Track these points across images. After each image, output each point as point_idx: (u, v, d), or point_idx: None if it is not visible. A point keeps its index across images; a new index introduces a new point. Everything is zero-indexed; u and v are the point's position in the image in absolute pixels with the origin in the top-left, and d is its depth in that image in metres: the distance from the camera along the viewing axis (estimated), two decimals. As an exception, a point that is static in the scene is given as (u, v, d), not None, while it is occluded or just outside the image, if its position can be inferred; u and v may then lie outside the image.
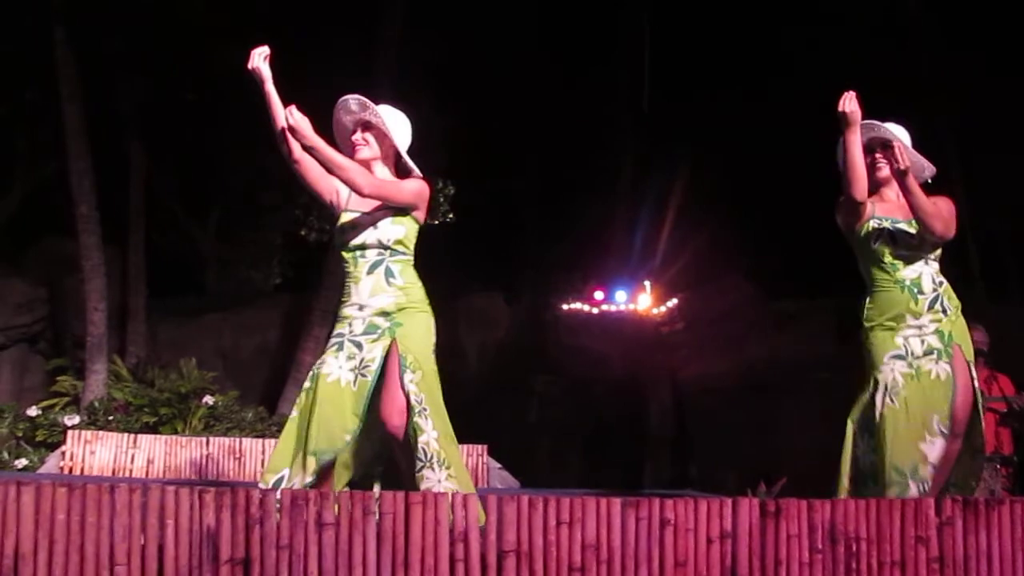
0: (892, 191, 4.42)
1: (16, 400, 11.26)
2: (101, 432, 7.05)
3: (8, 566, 2.80)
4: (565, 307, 14.29)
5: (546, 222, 15.55)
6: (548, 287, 14.80)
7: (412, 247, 4.13)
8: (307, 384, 3.99)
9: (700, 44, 14.62)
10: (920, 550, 3.42)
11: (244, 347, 13.09)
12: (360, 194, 4.02)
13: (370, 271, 4.02)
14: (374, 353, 3.96)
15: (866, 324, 4.36)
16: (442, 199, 14.11)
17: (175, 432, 9.64)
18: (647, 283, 14.35)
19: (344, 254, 4.09)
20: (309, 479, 3.84)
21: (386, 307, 4.00)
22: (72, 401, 10.53)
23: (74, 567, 2.84)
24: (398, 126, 4.20)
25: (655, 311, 14.01)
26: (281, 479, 3.84)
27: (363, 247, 4.04)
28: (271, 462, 3.95)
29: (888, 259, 4.31)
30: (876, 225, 4.32)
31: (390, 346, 3.96)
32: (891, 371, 4.23)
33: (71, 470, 6.62)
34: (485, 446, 7.34)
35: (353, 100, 4.13)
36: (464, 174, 13.11)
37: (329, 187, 4.13)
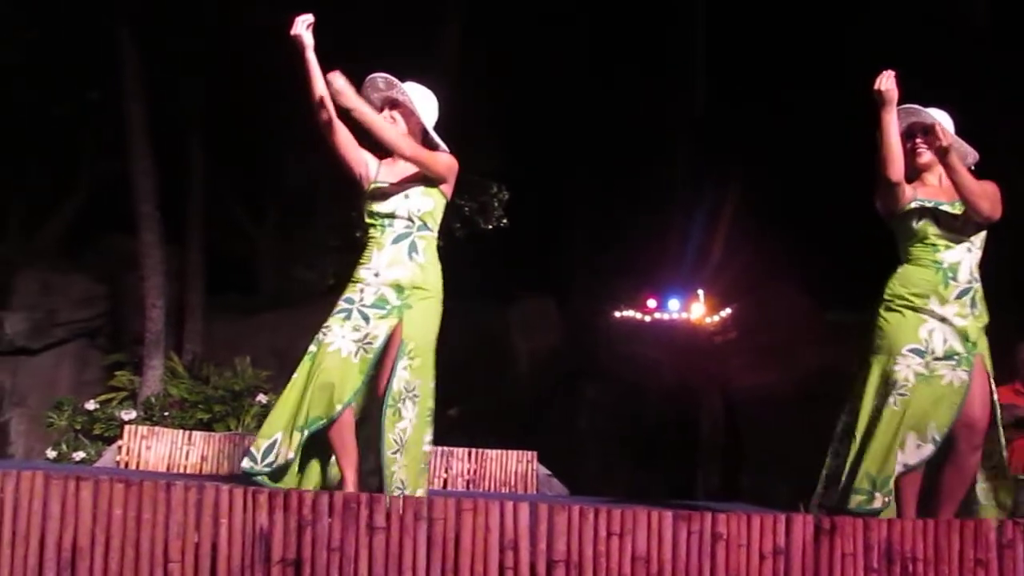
0: (934, 176, 4.33)
1: (75, 393, 11.46)
2: (157, 428, 7.15)
3: (66, 559, 2.85)
4: (617, 314, 14.23)
5: (599, 228, 15.49)
6: (601, 293, 14.74)
7: (438, 223, 4.17)
8: (312, 348, 4.00)
9: (757, 50, 14.49)
10: (979, 573, 3.35)
11: (298, 346, 13.00)
12: (402, 156, 4.06)
13: (395, 241, 4.06)
14: (379, 330, 3.98)
15: (887, 296, 4.21)
16: (496, 203, 14.14)
17: (228, 429, 9.76)
18: (700, 292, 14.24)
19: (370, 220, 4.12)
20: (292, 455, 3.86)
21: (401, 280, 4.02)
22: (129, 396, 10.69)
23: (129, 563, 2.89)
24: (424, 102, 4.24)
25: (708, 320, 13.90)
26: (274, 444, 3.84)
27: (392, 216, 4.08)
28: (265, 426, 3.95)
29: (931, 238, 4.19)
30: (919, 205, 4.22)
31: (395, 327, 3.97)
32: (906, 367, 4.08)
33: (127, 464, 6.71)
34: (535, 453, 7.32)
35: (380, 78, 4.19)
36: (518, 179, 13.11)
37: (359, 158, 4.18)
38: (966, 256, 4.20)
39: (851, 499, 4.00)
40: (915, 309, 4.16)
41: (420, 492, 3.98)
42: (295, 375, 4.00)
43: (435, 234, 4.16)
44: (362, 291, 4.03)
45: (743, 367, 12.83)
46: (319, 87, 4.04)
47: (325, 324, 4.03)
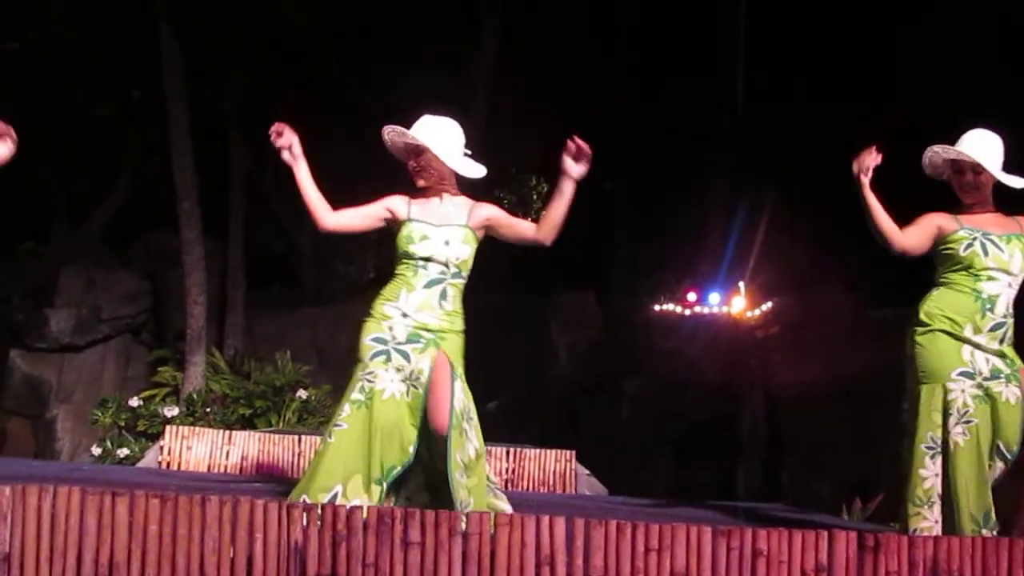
0: (982, 207, 4.23)
1: (119, 388, 11.63)
2: (197, 428, 7.22)
3: (103, 575, 2.85)
4: (657, 308, 14.14)
5: (640, 221, 15.40)
6: (641, 287, 14.66)
7: (468, 272, 4.10)
8: (357, 396, 3.90)
9: (799, 45, 14.32)
10: (1027, 590, 3.27)
11: (338, 341, 13.25)
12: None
13: (427, 285, 3.99)
14: (423, 364, 3.93)
15: (924, 318, 4.13)
16: (535, 196, 14.09)
17: (269, 425, 9.83)
18: (741, 286, 14.10)
19: (405, 260, 4.01)
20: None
21: (430, 325, 3.97)
22: (172, 391, 10.82)
23: (166, 578, 2.89)
24: (442, 141, 4.10)
25: (749, 314, 13.77)
26: (335, 496, 3.76)
27: (428, 260, 3.99)
28: (319, 478, 3.83)
29: (975, 268, 4.10)
30: (968, 234, 4.13)
31: (437, 356, 3.93)
32: (961, 392, 4.01)
33: (168, 465, 6.77)
34: (573, 452, 7.27)
35: (395, 133, 4.10)
36: (558, 172, 13.04)
37: (376, 215, 4.10)
38: (1006, 291, 4.13)
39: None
40: (950, 333, 4.09)
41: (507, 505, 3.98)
42: (342, 424, 3.89)
43: (465, 280, 4.08)
44: (392, 330, 3.96)
45: (784, 363, 12.70)
46: (313, 194, 4.07)
47: (367, 371, 3.94)
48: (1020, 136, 4.40)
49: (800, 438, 12.33)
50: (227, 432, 7.05)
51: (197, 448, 6.73)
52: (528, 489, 7.00)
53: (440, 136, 4.10)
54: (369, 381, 3.92)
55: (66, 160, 13.42)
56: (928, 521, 4.04)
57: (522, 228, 4.19)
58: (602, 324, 13.93)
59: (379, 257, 16.21)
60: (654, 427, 12.77)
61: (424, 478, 4.01)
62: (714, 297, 14.22)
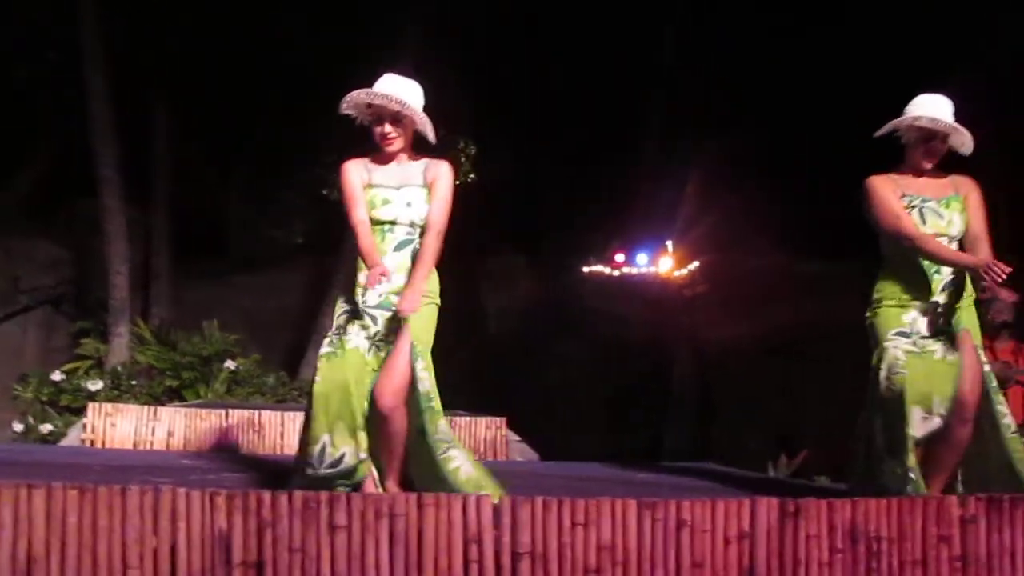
0: (923, 173, 4.31)
1: (42, 361, 11.36)
2: (121, 405, 7.08)
3: (21, 570, 2.80)
4: (587, 269, 14.21)
5: (569, 183, 15.39)
6: (570, 249, 14.70)
7: None
8: (327, 350, 3.93)
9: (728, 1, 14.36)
10: (942, 549, 3.38)
11: (266, 309, 13.11)
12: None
13: (397, 248, 4.00)
14: (389, 330, 3.94)
15: (874, 300, 4.29)
16: (464, 159, 13.99)
17: (198, 396, 9.70)
18: (669, 245, 14.22)
19: (371, 226, 4.02)
20: (363, 455, 3.86)
21: (404, 287, 3.96)
22: (96, 364, 10.60)
23: (87, 570, 2.84)
24: (419, 106, 4.09)
25: (677, 274, 13.91)
26: (323, 447, 3.81)
27: (393, 223, 4.01)
28: (307, 433, 3.90)
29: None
30: (908, 203, 4.24)
31: (402, 327, 3.92)
32: (894, 348, 4.15)
33: (92, 443, 6.65)
34: (504, 419, 7.30)
35: (395, 100, 4.01)
36: (487, 133, 12.97)
37: (361, 196, 4.06)
38: None
39: (887, 484, 4.02)
40: (900, 306, 4.24)
41: (487, 477, 3.96)
42: (317, 378, 3.90)
43: None
44: (364, 293, 3.97)
45: (712, 321, 12.88)
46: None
47: (336, 326, 3.98)
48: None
49: (729, 395, 12.56)
50: (152, 408, 6.94)
51: (122, 425, 6.63)
52: (460, 456, 7.01)
53: (418, 101, 4.09)
54: (338, 335, 3.95)
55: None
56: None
57: (430, 217, 4.05)
58: (532, 286, 13.97)
59: (307, 222, 16.03)
60: (585, 388, 12.89)
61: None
62: (642, 257, 14.32)
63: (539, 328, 13.30)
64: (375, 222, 4.01)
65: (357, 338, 3.93)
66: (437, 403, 3.92)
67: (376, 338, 3.94)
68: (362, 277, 3.98)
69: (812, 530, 3.30)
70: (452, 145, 14.92)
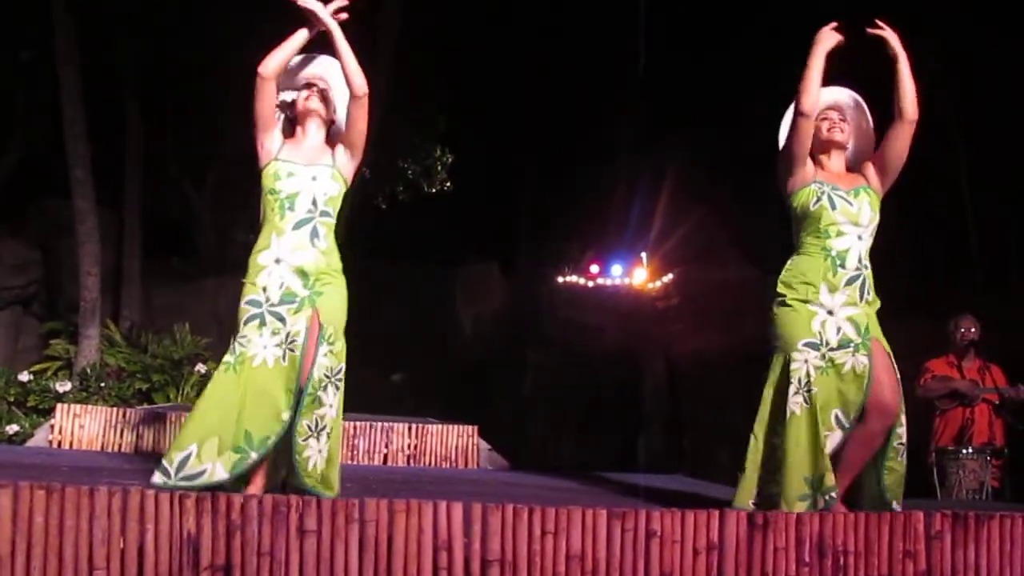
0: (837, 161, 4.35)
1: (10, 362, 11.21)
2: (90, 406, 7.01)
3: (-15, 570, 2.77)
4: (561, 279, 14.25)
5: (544, 193, 15.46)
6: (545, 259, 14.74)
7: (338, 211, 4.07)
8: (228, 359, 3.84)
9: (701, 12, 14.44)
10: (908, 564, 3.41)
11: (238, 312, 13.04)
12: (355, 92, 4.07)
13: (296, 227, 3.93)
14: (298, 326, 3.86)
15: (781, 289, 4.21)
16: (439, 167, 13.99)
17: (167, 399, 9.62)
18: (643, 257, 14.29)
19: (271, 200, 3.96)
20: (226, 476, 3.73)
21: (305, 267, 3.90)
22: (65, 365, 10.50)
23: (52, 571, 2.81)
24: (343, 86, 4.18)
25: (651, 285, 13.97)
26: (188, 456, 3.70)
27: (293, 199, 3.95)
28: (180, 437, 3.79)
29: (823, 223, 4.17)
30: (817, 188, 4.22)
31: (311, 316, 3.89)
32: (804, 362, 4.07)
33: (59, 444, 6.58)
34: (476, 427, 7.29)
35: (334, 67, 4.16)
36: (462, 142, 12.99)
37: (269, 126, 4.08)
38: (856, 244, 4.18)
39: (793, 505, 3.93)
40: (806, 301, 4.14)
41: (335, 477, 3.93)
42: (212, 387, 3.83)
43: (334, 221, 4.04)
44: (265, 289, 3.89)
45: (685, 333, 12.94)
46: (289, 54, 4.14)
47: (240, 333, 3.86)
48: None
49: (700, 407, 12.60)
50: (120, 410, 6.88)
51: (90, 426, 6.56)
52: (430, 464, 7.02)
53: (342, 80, 4.18)
54: (241, 345, 3.84)
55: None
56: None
57: (350, 107, 4.15)
58: (506, 295, 13.98)
59: (281, 227, 15.95)
60: (558, 397, 12.91)
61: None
62: (616, 268, 14.39)
63: (513, 337, 13.32)
64: (275, 194, 3.95)
65: (264, 350, 3.83)
66: (329, 393, 3.87)
67: (288, 341, 3.85)
68: (262, 259, 3.93)
69: (780, 543, 3.31)
70: (428, 153, 14.95)
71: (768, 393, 4.21)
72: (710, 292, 13.04)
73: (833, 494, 3.94)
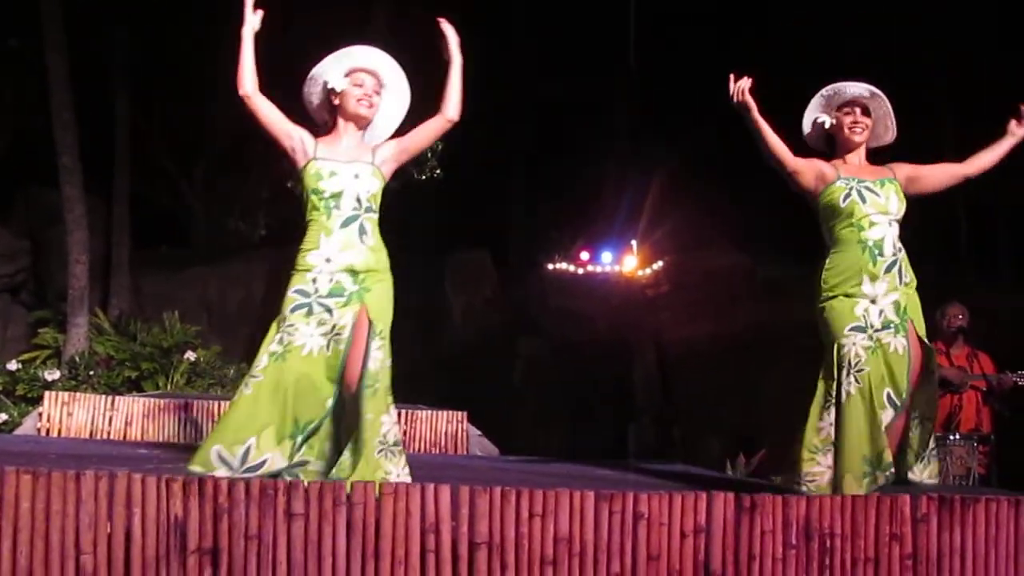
0: (857, 155, 4.45)
1: (-2, 351, 11.19)
2: (78, 394, 6.99)
3: (-29, 554, 2.76)
4: (551, 267, 14.25)
5: (535, 182, 15.45)
6: (535, 247, 14.74)
7: (379, 206, 4.08)
8: (275, 348, 3.86)
9: (693, 2, 14.44)
10: (894, 547, 3.42)
11: (229, 300, 13.02)
12: (449, 115, 4.15)
13: (344, 225, 3.94)
14: (345, 320, 3.89)
15: (824, 289, 4.33)
16: (430, 154, 13.92)
17: (157, 388, 9.61)
18: (634, 245, 14.30)
19: (315, 200, 3.95)
20: (284, 463, 3.80)
21: (355, 265, 3.92)
22: (54, 354, 10.47)
23: (39, 556, 2.80)
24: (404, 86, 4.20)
25: (641, 273, 13.98)
26: (247, 449, 3.74)
27: (338, 197, 3.95)
28: (232, 431, 3.79)
29: (856, 217, 4.28)
30: (845, 184, 4.32)
31: (359, 311, 3.90)
32: (852, 344, 4.20)
33: (48, 431, 6.56)
34: (465, 413, 7.28)
35: (394, 68, 4.15)
36: (454, 130, 12.93)
37: (289, 131, 4.03)
38: (888, 231, 4.30)
39: (855, 485, 4.05)
40: (849, 295, 4.27)
41: (404, 468, 3.97)
42: (259, 375, 3.84)
43: (377, 216, 4.05)
44: (315, 280, 3.90)
45: (675, 321, 12.95)
46: (249, 62, 4.05)
47: (287, 323, 3.88)
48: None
49: (690, 395, 12.63)
50: (110, 398, 6.86)
51: (78, 414, 6.54)
52: (420, 451, 7.01)
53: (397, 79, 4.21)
54: (288, 334, 3.86)
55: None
56: (820, 467, 4.22)
57: (429, 128, 4.16)
58: (497, 284, 13.98)
59: (272, 215, 15.93)
60: (548, 386, 12.91)
61: (334, 432, 3.96)
62: (607, 256, 14.39)
63: (503, 325, 13.32)
64: (320, 194, 3.94)
65: (311, 339, 3.86)
66: (382, 387, 3.88)
67: (334, 333, 3.88)
68: (311, 259, 3.91)
69: (767, 525, 3.32)
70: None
71: (820, 385, 4.30)
72: (700, 281, 13.07)
73: (891, 472, 4.08)
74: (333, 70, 4.08)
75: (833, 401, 4.24)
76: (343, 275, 3.91)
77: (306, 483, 3.03)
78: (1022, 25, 11.80)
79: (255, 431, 3.77)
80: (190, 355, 10.02)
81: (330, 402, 3.88)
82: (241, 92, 4.02)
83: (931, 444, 4.43)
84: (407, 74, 4.23)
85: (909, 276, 4.33)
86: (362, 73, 4.09)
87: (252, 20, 4.09)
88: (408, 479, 3.87)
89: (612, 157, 15.10)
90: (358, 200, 3.96)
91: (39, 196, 12.52)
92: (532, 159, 15.30)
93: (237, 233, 15.63)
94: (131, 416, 6.62)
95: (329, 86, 4.07)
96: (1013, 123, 4.41)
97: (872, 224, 4.27)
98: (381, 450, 3.86)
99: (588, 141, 15.13)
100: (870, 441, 4.13)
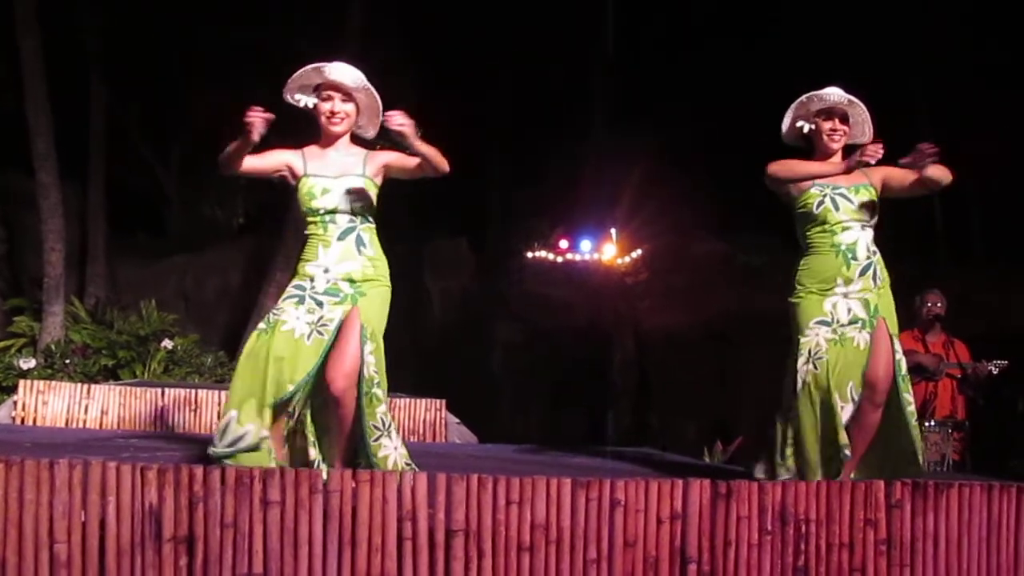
0: (834, 160, 4.46)
1: (-28, 338, 11.08)
2: (54, 382, 6.93)
3: (-57, 544, 2.74)
4: (530, 254, 14.25)
5: (514, 168, 15.41)
6: (514, 234, 14.72)
7: (374, 214, 4.08)
8: (262, 326, 3.92)
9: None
10: (869, 532, 3.45)
11: (206, 288, 12.97)
12: (441, 172, 4.07)
13: (341, 237, 3.97)
14: (334, 314, 3.91)
15: (797, 288, 4.38)
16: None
17: (133, 376, 9.55)
18: (613, 232, 14.31)
19: (311, 218, 4.01)
20: (265, 432, 3.83)
21: (353, 274, 3.96)
22: (29, 342, 10.38)
23: (12, 544, 2.79)
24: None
25: (620, 261, 14.00)
26: (228, 423, 3.80)
27: (334, 212, 3.97)
28: (225, 406, 3.94)
29: (830, 223, 4.33)
30: (819, 192, 4.35)
31: (350, 311, 3.92)
32: (815, 335, 4.25)
33: (23, 420, 6.51)
34: (443, 401, 7.28)
35: (359, 77, 4.05)
36: (432, 117, 12.88)
37: (277, 163, 4.04)
38: (862, 235, 4.34)
39: (818, 471, 4.10)
40: (821, 293, 4.32)
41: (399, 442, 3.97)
42: (244, 351, 3.91)
43: (375, 224, 4.07)
44: (313, 280, 3.96)
45: (653, 309, 12.99)
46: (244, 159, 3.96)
47: (276, 307, 3.96)
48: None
49: (668, 382, 12.67)
50: (85, 385, 6.81)
51: (54, 402, 6.49)
52: (399, 438, 6.99)
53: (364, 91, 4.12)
54: (275, 315, 3.93)
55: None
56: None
57: (418, 167, 4.12)
58: (475, 270, 13.97)
59: (249, 201, 15.85)
60: (527, 372, 12.93)
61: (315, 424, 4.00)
62: (586, 244, 14.39)
63: (481, 312, 13.31)
64: (316, 212, 3.98)
65: (296, 321, 3.89)
66: (380, 389, 3.91)
67: (319, 323, 3.89)
68: (310, 269, 3.97)
69: (743, 511, 3.35)
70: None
71: (786, 381, 4.34)
72: (679, 268, 13.10)
73: (847, 451, 4.09)
74: (302, 90, 4.08)
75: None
76: (342, 282, 3.96)
77: (281, 470, 3.02)
78: (997, 25, 11.89)
79: (236, 404, 3.83)
80: (167, 343, 9.98)
81: (292, 387, 3.84)
82: (225, 173, 4.03)
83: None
84: (384, 75, 4.19)
85: (883, 276, 4.38)
86: (328, 89, 4.07)
87: (257, 133, 3.94)
88: (404, 451, 3.92)
89: (591, 145, 15.09)
90: (353, 213, 3.99)
91: (13, 182, 12.38)
92: (511, 146, 15.26)
93: (214, 220, 15.55)
94: (107, 405, 6.58)
95: (302, 104, 4.08)
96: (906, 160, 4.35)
97: (845, 229, 4.32)
98: (378, 437, 3.88)
99: (567, 129, 15.10)
100: (825, 426, 4.16)
